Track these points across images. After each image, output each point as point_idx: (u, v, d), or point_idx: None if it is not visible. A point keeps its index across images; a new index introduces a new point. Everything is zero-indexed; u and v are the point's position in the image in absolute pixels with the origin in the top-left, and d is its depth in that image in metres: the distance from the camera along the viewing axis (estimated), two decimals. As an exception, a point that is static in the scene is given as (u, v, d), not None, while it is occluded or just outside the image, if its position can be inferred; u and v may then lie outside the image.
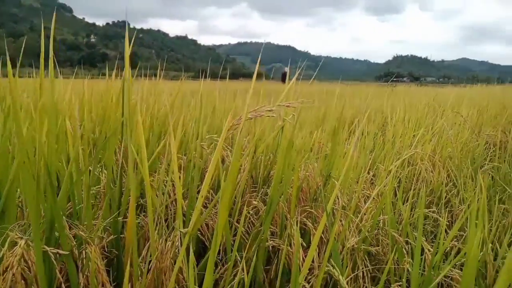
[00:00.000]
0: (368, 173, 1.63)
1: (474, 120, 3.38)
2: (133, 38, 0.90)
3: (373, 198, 0.92)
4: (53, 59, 0.69)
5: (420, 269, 0.91)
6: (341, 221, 0.90)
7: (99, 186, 0.98)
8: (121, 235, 0.83)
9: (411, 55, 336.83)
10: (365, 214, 0.90)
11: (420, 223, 0.83)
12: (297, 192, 0.93)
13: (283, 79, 18.46)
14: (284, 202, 0.83)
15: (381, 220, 0.92)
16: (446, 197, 1.58)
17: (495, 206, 1.57)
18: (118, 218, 0.82)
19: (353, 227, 0.85)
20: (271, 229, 0.87)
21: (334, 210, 0.90)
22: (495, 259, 1.09)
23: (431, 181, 1.64)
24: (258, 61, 0.81)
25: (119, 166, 0.86)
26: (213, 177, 1.18)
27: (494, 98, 4.99)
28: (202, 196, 0.56)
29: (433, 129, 2.04)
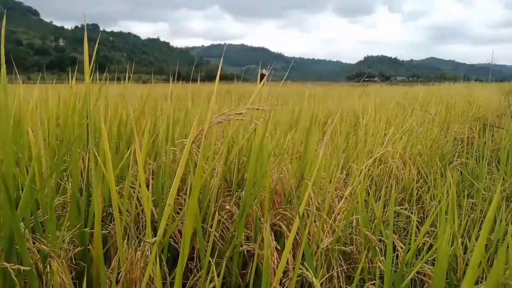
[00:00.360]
0: (342, 172, 1.65)
1: (443, 117, 3.50)
2: (97, 42, 0.86)
3: (346, 197, 0.92)
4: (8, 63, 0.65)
5: (393, 267, 0.93)
6: (315, 222, 0.90)
7: (66, 195, 0.94)
8: (89, 247, 0.80)
9: (382, 56, 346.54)
10: (338, 214, 0.90)
11: (391, 220, 0.84)
12: (270, 195, 0.92)
13: (260, 81, 18.72)
14: (258, 206, 0.82)
15: (354, 220, 0.92)
16: (417, 193, 1.62)
17: (464, 200, 1.63)
18: (85, 229, 0.79)
19: (327, 227, 0.85)
20: (246, 233, 0.86)
21: (308, 212, 0.90)
22: (465, 253, 1.13)
23: (402, 178, 1.68)
24: (222, 62, 0.79)
25: (86, 175, 0.82)
26: (187, 183, 1.16)
27: (460, 96, 5.19)
28: (169, 205, 0.55)
29: (403, 128, 2.09)
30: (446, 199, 1.41)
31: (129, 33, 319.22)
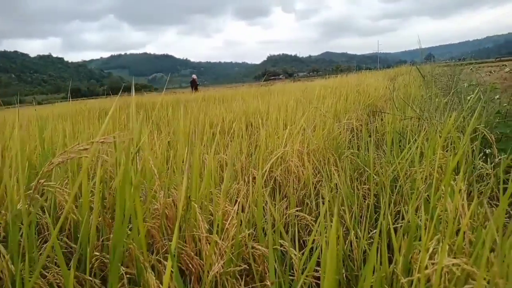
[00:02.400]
0: (243, 179, 1.63)
1: (339, 108, 3.75)
2: None
3: (237, 212, 0.89)
4: None
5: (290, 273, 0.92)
6: (208, 243, 0.85)
7: None
8: None
9: (283, 54, 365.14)
10: (231, 229, 0.86)
11: (281, 229, 0.83)
12: (146, 233, 0.84)
13: (193, 87, 17.64)
14: (133, 244, 0.74)
15: (246, 235, 0.89)
16: (315, 188, 1.68)
17: (361, 188, 1.74)
18: None
19: (217, 250, 0.80)
20: (129, 275, 0.77)
21: (201, 236, 0.84)
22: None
23: (302, 175, 1.73)
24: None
25: None
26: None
27: (352, 86, 5.64)
28: None
29: (298, 125, 2.16)
30: (336, 192, 1.48)
31: (15, 52, 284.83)
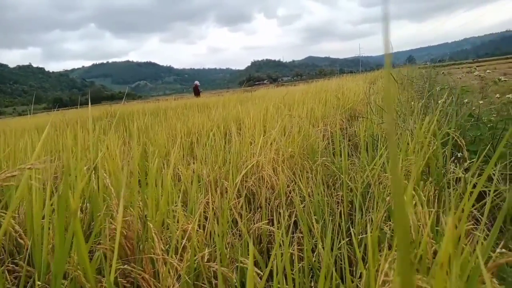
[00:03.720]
0: (216, 191, 1.59)
1: (318, 114, 3.75)
2: None
3: (196, 230, 0.85)
4: None
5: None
6: (165, 264, 0.81)
7: None
8: None
9: (267, 59, 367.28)
10: (187, 251, 0.82)
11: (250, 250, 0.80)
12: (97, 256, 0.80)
13: (195, 93, 17.69)
14: (78, 272, 0.70)
15: (205, 255, 0.85)
16: (289, 197, 1.65)
17: (334, 195, 1.72)
18: None
19: (172, 272, 0.77)
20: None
21: (156, 257, 0.81)
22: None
23: (276, 184, 1.70)
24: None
25: None
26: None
27: (331, 91, 5.67)
28: None
29: (273, 133, 2.13)
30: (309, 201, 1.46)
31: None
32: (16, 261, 0.91)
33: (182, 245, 0.86)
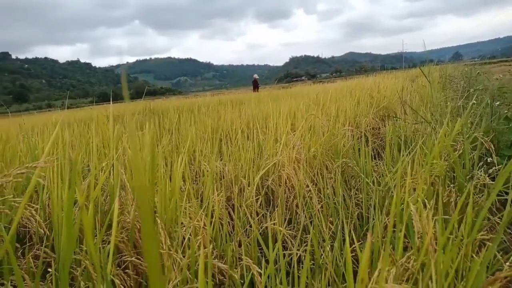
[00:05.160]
0: (226, 191, 1.63)
1: (350, 114, 3.69)
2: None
3: (203, 227, 0.89)
4: None
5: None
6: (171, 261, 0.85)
7: None
8: None
9: (305, 55, 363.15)
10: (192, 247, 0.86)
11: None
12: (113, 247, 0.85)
13: (254, 87, 17.56)
14: (85, 261, 0.75)
15: (209, 252, 0.89)
16: (309, 197, 1.65)
17: (353, 197, 1.70)
18: None
19: (175, 267, 0.81)
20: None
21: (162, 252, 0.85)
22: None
23: (294, 184, 1.70)
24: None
25: None
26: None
27: (367, 89, 5.53)
28: None
29: (297, 132, 2.13)
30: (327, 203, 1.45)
31: (45, 58, 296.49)
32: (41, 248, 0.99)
33: (190, 241, 0.90)
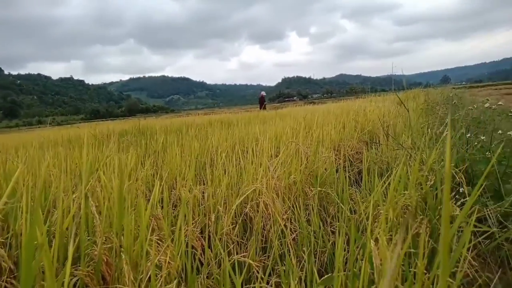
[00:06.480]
0: (208, 219, 1.64)
1: (335, 138, 3.74)
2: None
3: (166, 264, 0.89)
4: None
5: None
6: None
7: None
8: None
9: (297, 76, 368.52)
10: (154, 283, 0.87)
11: None
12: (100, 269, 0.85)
13: (261, 105, 16.47)
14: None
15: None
16: (285, 225, 1.66)
17: (329, 226, 1.72)
18: None
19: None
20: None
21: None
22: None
23: (271, 212, 1.72)
24: None
25: None
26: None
27: (354, 112, 5.62)
28: None
29: (281, 158, 2.15)
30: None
31: (38, 74, 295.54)
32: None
33: (154, 275, 0.90)
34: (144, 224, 0.95)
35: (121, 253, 0.90)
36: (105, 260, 0.97)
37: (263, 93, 16.95)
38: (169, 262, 0.90)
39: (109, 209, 1.13)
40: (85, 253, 0.97)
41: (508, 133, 1.72)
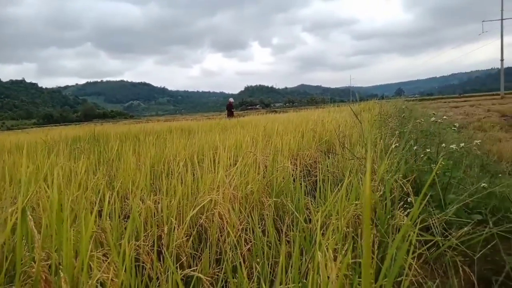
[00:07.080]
0: (157, 229, 1.59)
1: (293, 147, 3.80)
2: None
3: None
4: None
5: None
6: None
7: None
8: None
9: (260, 85, 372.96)
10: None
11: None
12: None
13: (229, 112, 15.66)
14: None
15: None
16: (241, 235, 1.65)
17: (283, 235, 1.72)
18: None
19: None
20: None
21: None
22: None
23: (226, 223, 1.70)
24: None
25: None
26: None
27: (313, 122, 5.76)
28: None
29: (239, 168, 2.15)
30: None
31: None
32: None
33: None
34: (85, 238, 0.91)
35: (60, 271, 0.85)
36: (44, 277, 0.91)
37: (231, 99, 16.46)
38: (111, 280, 0.86)
39: (49, 222, 1.06)
40: (22, 271, 0.91)
41: (451, 146, 1.83)
